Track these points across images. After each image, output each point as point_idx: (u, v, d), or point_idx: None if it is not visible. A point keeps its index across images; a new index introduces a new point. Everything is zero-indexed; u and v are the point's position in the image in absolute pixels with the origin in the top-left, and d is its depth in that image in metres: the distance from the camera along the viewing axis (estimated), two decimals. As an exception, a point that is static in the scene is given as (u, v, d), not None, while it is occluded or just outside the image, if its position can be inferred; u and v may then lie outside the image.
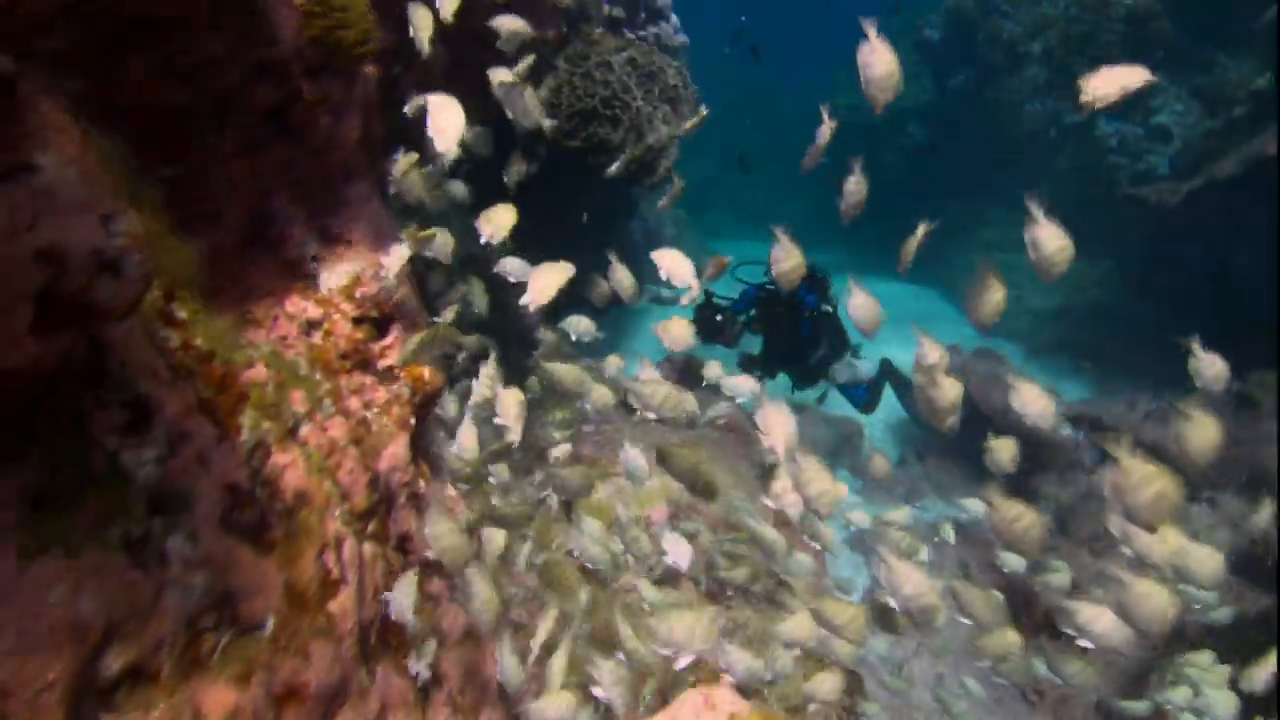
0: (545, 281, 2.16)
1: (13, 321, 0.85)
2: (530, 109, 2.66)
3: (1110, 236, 10.80)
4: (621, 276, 3.35)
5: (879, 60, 2.05)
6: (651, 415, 2.69)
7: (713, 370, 6.54)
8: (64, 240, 0.89)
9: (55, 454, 1.15)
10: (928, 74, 14.97)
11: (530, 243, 8.58)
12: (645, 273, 12.92)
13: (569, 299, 2.78)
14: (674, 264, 2.70)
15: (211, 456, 1.52)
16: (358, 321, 2.37)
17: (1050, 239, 2.26)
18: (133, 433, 1.27)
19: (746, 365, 6.18)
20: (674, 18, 9.66)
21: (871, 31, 2.08)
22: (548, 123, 2.49)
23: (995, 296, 2.47)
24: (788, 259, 2.75)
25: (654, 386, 2.61)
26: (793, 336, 5.55)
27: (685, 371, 6.33)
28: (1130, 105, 12.22)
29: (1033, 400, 2.57)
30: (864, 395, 6.48)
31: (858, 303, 2.79)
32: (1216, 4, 10.91)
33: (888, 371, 6.66)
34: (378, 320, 2.44)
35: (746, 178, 15.06)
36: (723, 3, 14.72)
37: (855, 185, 2.97)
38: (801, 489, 2.27)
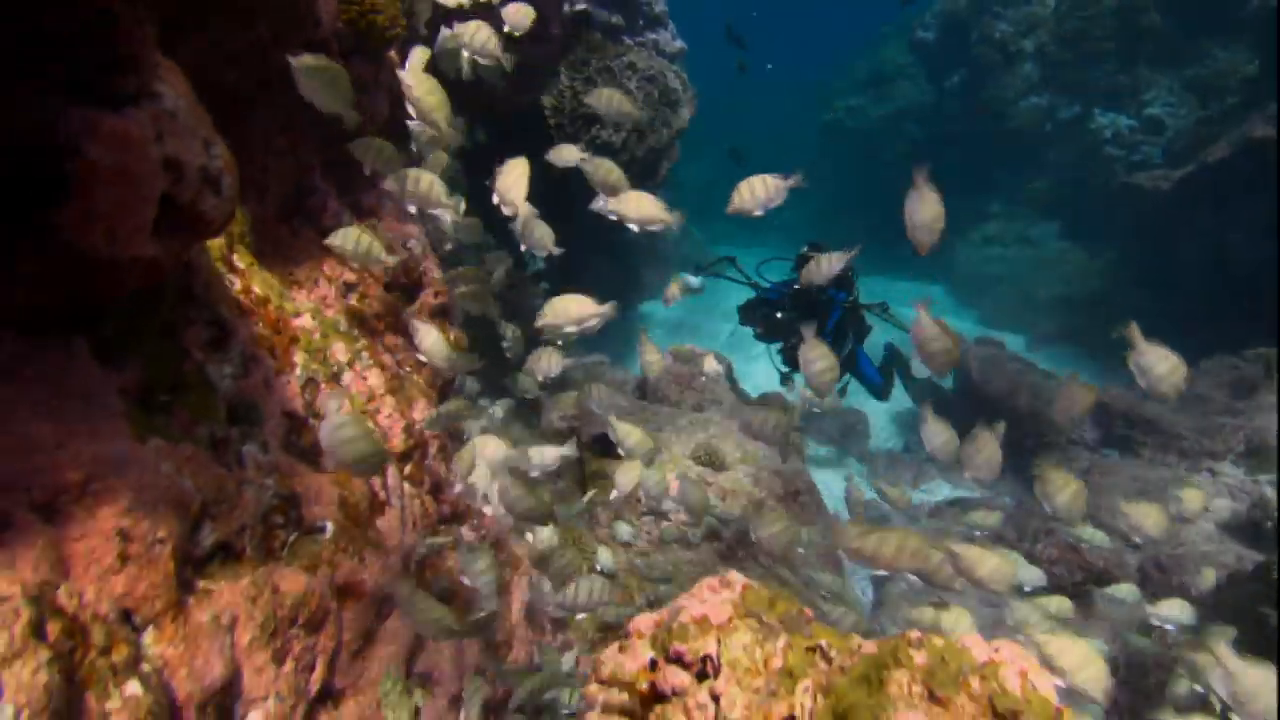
0: (510, 181, 2.11)
1: (144, 216, 1.04)
2: (486, 44, 2.44)
3: (1110, 226, 10.97)
4: (651, 358, 3.15)
5: (929, 335, 2.19)
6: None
7: (710, 364, 6.72)
8: (181, 155, 1.08)
9: (154, 359, 1.34)
10: (923, 75, 15.23)
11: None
12: (646, 279, 13.12)
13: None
14: (638, 206, 2.36)
15: (274, 384, 1.71)
16: (389, 287, 2.56)
17: (1160, 361, 2.34)
18: (215, 348, 1.46)
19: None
20: (671, 25, 9.88)
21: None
22: (506, 58, 2.40)
23: (1086, 400, 2.60)
24: (935, 339, 2.33)
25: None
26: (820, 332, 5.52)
27: (687, 360, 6.51)
28: (1123, 98, 12.42)
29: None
30: (881, 382, 6.58)
31: (926, 334, 2.29)
32: (1204, -4, 11.11)
33: (894, 356, 6.79)
34: (407, 287, 2.63)
35: (742, 174, 15.35)
36: (722, 11, 15.02)
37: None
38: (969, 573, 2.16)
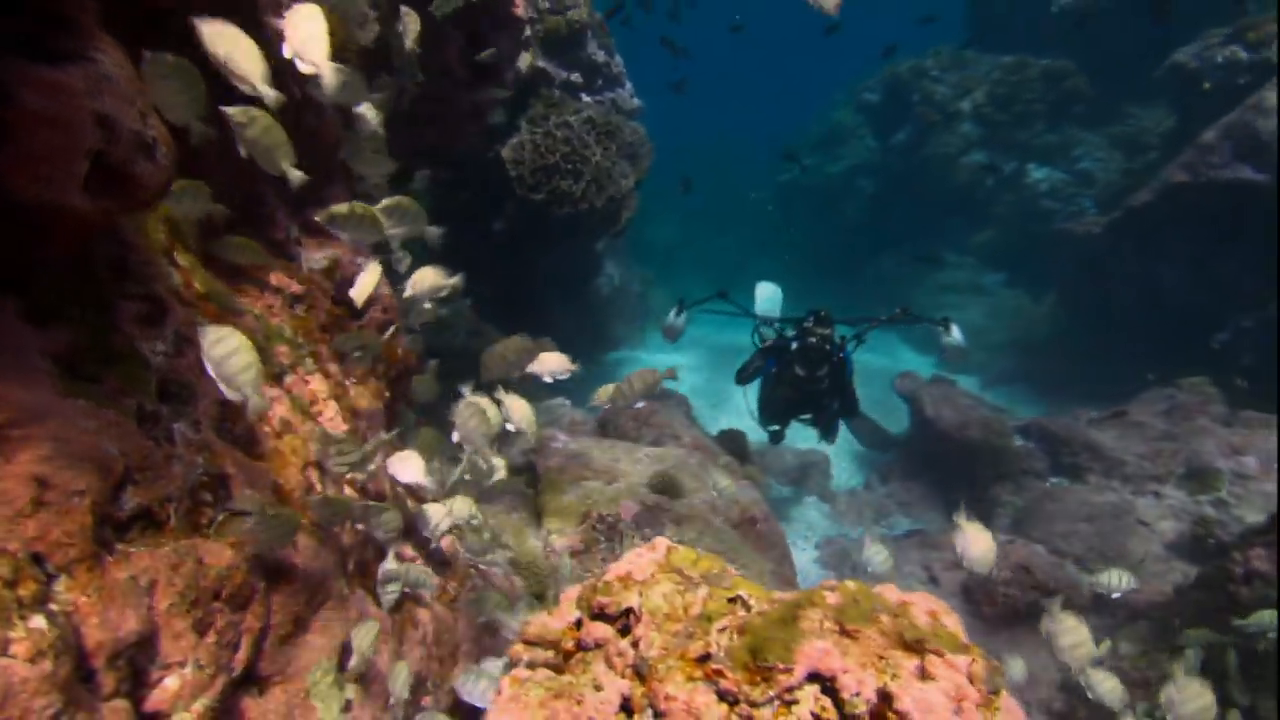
0: (305, 33, 1.80)
1: (75, 164, 1.09)
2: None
3: (1051, 272, 11.52)
4: None
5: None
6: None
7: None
8: (115, 115, 1.15)
9: (83, 327, 1.37)
10: (871, 134, 16.08)
11: (498, 299, 8.82)
12: (614, 331, 13.28)
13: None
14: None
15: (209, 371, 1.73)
16: (336, 301, 2.60)
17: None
18: (149, 324, 1.49)
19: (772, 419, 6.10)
20: (629, 84, 10.33)
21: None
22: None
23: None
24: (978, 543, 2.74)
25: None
26: (837, 383, 5.52)
27: (676, 398, 6.61)
28: (1055, 155, 13.25)
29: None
30: (835, 429, 6.62)
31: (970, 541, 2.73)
32: (1122, 58, 12.04)
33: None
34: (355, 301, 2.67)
35: (692, 202, 16.44)
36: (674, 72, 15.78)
37: None
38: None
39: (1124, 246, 8.76)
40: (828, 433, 6.08)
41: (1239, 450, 5.69)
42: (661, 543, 1.51)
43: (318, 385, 2.28)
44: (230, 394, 1.46)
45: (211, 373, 1.44)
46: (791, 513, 7.51)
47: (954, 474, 7.28)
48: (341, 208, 2.09)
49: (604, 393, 3.31)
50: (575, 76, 9.32)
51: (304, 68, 1.88)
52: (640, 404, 5.89)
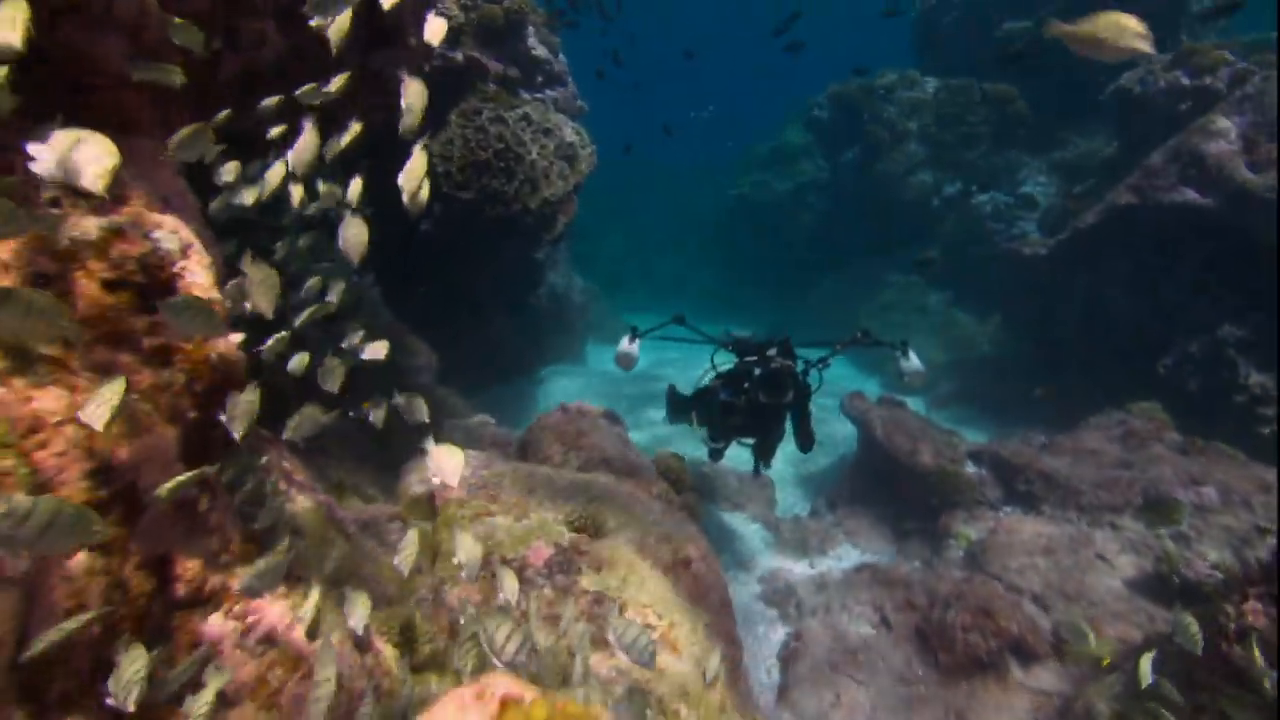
0: None
1: None
2: None
3: (995, 293, 11.43)
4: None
5: None
6: None
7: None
8: None
9: None
10: (820, 152, 15.94)
11: (426, 307, 7.99)
12: (552, 343, 12.58)
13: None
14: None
15: None
16: (113, 286, 1.90)
17: None
18: None
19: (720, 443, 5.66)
20: (572, 84, 9.77)
21: None
22: None
23: None
24: None
25: None
26: (797, 410, 5.14)
27: (611, 417, 6.02)
28: (999, 178, 13.28)
29: None
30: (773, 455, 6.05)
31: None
32: (1064, 86, 12.13)
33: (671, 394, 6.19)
34: (145, 289, 1.98)
35: (657, 257, 16.63)
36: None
37: None
38: None
39: (1070, 268, 8.62)
40: (766, 459, 5.61)
41: (1198, 480, 5.41)
42: (495, 686, 0.89)
43: (50, 403, 1.58)
44: None
45: None
46: (732, 541, 6.96)
47: (904, 501, 6.87)
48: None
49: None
50: (512, 71, 8.71)
51: None
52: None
